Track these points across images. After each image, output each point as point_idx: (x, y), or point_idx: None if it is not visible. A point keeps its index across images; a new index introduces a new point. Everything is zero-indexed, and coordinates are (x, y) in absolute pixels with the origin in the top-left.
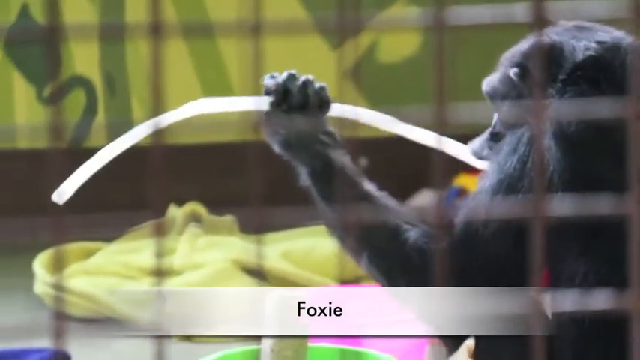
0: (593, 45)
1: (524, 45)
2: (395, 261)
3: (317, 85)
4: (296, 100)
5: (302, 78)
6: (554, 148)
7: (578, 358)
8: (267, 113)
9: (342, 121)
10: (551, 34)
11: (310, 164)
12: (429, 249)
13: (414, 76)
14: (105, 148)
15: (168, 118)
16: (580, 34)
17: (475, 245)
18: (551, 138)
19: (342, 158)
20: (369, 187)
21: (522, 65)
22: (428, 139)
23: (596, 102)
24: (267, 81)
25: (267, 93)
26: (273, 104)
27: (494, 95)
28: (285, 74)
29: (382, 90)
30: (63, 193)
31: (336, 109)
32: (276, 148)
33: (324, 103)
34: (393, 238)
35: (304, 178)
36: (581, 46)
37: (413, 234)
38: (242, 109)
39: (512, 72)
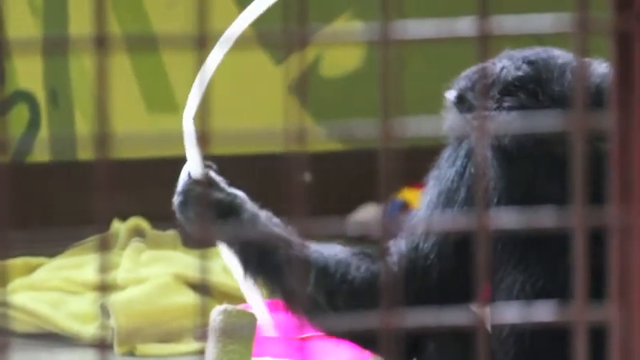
0: (532, 59)
1: (473, 68)
2: (341, 300)
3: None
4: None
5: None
6: (490, 158)
7: None
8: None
9: (288, 136)
10: (497, 60)
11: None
12: (377, 284)
13: (358, 90)
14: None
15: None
16: (520, 54)
17: (417, 259)
18: (489, 149)
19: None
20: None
21: (460, 90)
22: (259, 307)
23: (534, 115)
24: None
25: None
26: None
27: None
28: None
29: (326, 104)
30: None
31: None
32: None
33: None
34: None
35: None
36: (520, 63)
37: (358, 273)
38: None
39: (451, 96)
